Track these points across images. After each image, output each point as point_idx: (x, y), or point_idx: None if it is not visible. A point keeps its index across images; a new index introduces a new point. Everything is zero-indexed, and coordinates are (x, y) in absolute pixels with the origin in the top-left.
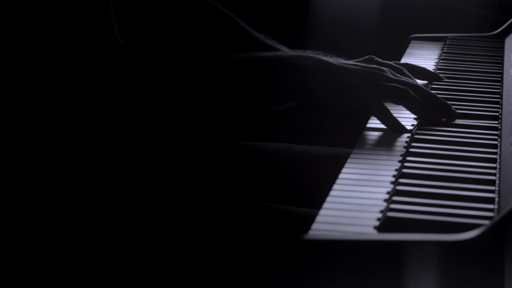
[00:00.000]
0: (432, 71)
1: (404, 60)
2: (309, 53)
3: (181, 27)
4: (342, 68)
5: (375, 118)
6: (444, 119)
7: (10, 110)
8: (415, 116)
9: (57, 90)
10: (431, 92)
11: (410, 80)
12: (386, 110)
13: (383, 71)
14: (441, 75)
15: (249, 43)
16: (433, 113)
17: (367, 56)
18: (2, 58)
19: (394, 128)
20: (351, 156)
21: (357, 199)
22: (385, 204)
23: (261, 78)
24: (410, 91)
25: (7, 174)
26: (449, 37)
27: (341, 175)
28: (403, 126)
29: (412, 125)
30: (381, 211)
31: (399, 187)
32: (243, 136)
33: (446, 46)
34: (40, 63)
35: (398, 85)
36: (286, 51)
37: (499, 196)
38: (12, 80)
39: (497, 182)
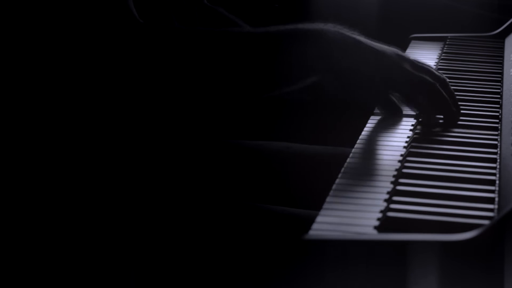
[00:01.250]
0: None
1: None
2: (334, 26)
3: None
4: (370, 45)
5: (375, 118)
6: (443, 120)
7: (12, 105)
8: (415, 116)
9: (58, 78)
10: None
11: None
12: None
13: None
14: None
15: None
16: (453, 110)
17: None
18: (18, 45)
19: (418, 109)
20: (351, 156)
21: (357, 199)
22: (385, 204)
23: (287, 49)
24: (439, 88)
25: (7, 174)
26: (449, 37)
27: (341, 175)
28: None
29: (412, 125)
30: (381, 211)
31: (399, 187)
32: (243, 134)
33: (446, 46)
34: (56, 46)
35: (426, 77)
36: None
37: (499, 196)
38: (12, 73)
39: (497, 182)
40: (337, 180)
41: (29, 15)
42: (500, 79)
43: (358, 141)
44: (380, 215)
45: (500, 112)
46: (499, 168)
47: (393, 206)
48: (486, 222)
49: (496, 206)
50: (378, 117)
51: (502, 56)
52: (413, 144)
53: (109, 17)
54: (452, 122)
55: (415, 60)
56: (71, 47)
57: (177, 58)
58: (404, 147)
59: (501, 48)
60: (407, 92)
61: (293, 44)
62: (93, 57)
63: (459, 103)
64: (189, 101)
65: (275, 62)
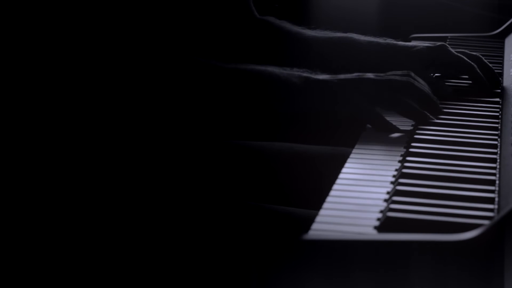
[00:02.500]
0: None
1: None
2: (297, 71)
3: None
4: (330, 82)
5: None
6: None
7: (10, 107)
8: None
9: (59, 85)
10: (424, 92)
11: (399, 75)
12: (379, 117)
13: (373, 78)
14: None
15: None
16: (426, 115)
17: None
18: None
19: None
20: (351, 156)
21: (357, 199)
22: (385, 204)
23: (254, 90)
24: (403, 99)
25: (7, 174)
26: (449, 37)
27: (341, 175)
28: (397, 129)
29: (412, 125)
30: (381, 211)
31: (399, 187)
32: (244, 135)
33: None
34: (60, 48)
35: (388, 92)
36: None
37: (499, 196)
38: (16, 75)
39: (497, 182)
40: (337, 180)
41: (30, 15)
42: (500, 79)
43: (358, 141)
44: (380, 215)
45: (500, 112)
46: (499, 168)
47: (393, 206)
48: (486, 222)
49: (496, 206)
50: None
51: (502, 56)
52: (413, 144)
53: (110, 33)
54: (421, 122)
55: (375, 76)
56: (70, 47)
57: (154, 80)
58: (404, 147)
59: (501, 48)
60: (375, 117)
61: (253, 86)
62: (94, 59)
63: (460, 103)
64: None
65: (240, 100)
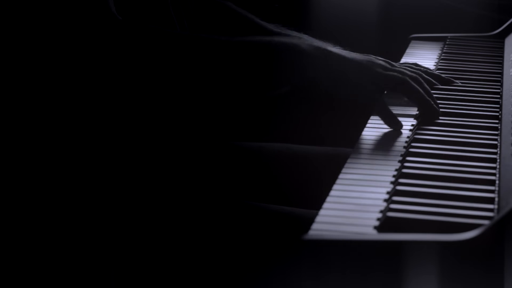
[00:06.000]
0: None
1: (403, 60)
2: (308, 39)
3: (180, 24)
4: (340, 56)
5: (375, 118)
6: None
7: (10, 107)
8: (415, 116)
9: (55, 78)
10: (427, 88)
11: (409, 70)
12: (382, 103)
13: (381, 60)
14: (442, 75)
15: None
16: (432, 105)
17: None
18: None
19: (389, 122)
20: (351, 156)
21: (357, 199)
22: (385, 204)
23: (258, 61)
24: (409, 80)
25: (7, 174)
26: (449, 37)
27: (341, 175)
28: (399, 122)
29: (412, 125)
30: (381, 211)
31: (399, 187)
32: (244, 136)
33: (446, 46)
34: (37, 45)
35: (396, 73)
36: (293, 36)
37: (499, 196)
38: (15, 75)
39: (497, 182)
40: (337, 180)
41: (14, 16)
42: (500, 79)
43: (358, 141)
44: (380, 215)
45: (500, 112)
46: (499, 168)
47: (393, 206)
48: (486, 222)
49: (496, 206)
50: (378, 117)
51: (502, 56)
52: (413, 144)
53: (86, 12)
54: (429, 112)
55: (388, 62)
56: (57, 46)
57: (154, 58)
58: (404, 147)
59: (501, 48)
60: (376, 92)
61: (266, 55)
62: (79, 55)
63: (460, 103)
64: (181, 100)
65: (244, 70)
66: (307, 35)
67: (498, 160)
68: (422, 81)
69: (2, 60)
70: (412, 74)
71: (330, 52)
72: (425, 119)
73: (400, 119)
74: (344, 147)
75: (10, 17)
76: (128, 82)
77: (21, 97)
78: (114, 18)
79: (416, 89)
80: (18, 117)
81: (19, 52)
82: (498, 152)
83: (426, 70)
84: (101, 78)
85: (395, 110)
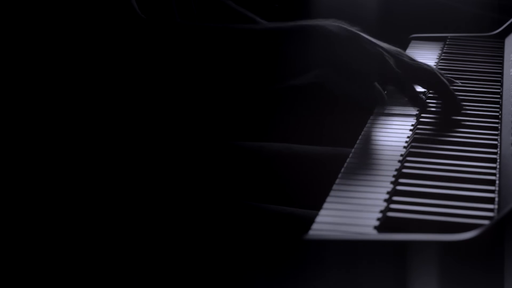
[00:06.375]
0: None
1: None
2: (334, 22)
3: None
4: (369, 40)
5: (375, 118)
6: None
7: (10, 106)
8: (415, 116)
9: (71, 78)
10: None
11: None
12: (407, 82)
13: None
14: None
15: None
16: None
17: None
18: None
19: (413, 99)
20: (351, 156)
21: (357, 199)
22: (385, 204)
23: (287, 45)
24: (436, 73)
25: (7, 174)
26: (449, 37)
27: (341, 175)
28: (422, 99)
29: (412, 125)
30: (381, 211)
31: (399, 187)
32: (244, 136)
33: (446, 46)
34: (58, 44)
35: (422, 65)
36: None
37: (499, 196)
38: (15, 75)
39: (497, 182)
40: (337, 180)
41: (30, 13)
42: (500, 79)
43: (358, 141)
44: (380, 215)
45: (500, 112)
46: (499, 168)
47: (393, 206)
48: (486, 222)
49: (496, 206)
50: (378, 117)
51: (502, 56)
52: (413, 144)
53: (111, 13)
54: (454, 105)
55: (410, 58)
56: (73, 45)
57: (178, 53)
58: (404, 147)
59: (501, 48)
60: (405, 81)
61: (292, 39)
62: (95, 54)
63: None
64: (193, 98)
65: (274, 58)
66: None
67: (498, 160)
68: (443, 76)
69: (18, 58)
70: (436, 70)
71: (359, 35)
72: (448, 111)
73: (400, 119)
74: (344, 147)
75: (34, 16)
76: (137, 78)
77: (21, 97)
78: (139, 17)
79: (443, 82)
80: (18, 117)
81: (30, 51)
82: (498, 152)
83: None
84: (111, 74)
85: (395, 110)
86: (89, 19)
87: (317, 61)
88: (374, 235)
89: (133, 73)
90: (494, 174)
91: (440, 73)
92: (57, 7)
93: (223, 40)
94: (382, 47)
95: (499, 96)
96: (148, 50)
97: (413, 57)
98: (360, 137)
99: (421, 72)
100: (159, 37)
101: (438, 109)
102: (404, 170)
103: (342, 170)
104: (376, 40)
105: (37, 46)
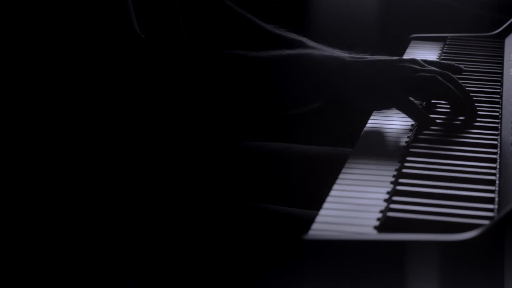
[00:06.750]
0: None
1: None
2: (332, 52)
3: (186, 23)
4: (366, 68)
5: (375, 118)
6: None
7: (9, 106)
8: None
9: (71, 85)
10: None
11: (438, 66)
12: (412, 104)
13: (409, 61)
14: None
15: (260, 36)
16: (464, 102)
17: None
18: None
19: (422, 122)
20: (351, 156)
21: (357, 199)
22: (385, 204)
23: (287, 77)
24: (441, 79)
25: (7, 174)
26: (449, 37)
27: (341, 175)
28: (431, 119)
29: (412, 125)
30: (381, 211)
31: (399, 187)
32: (244, 136)
33: (446, 46)
34: (58, 59)
35: (425, 74)
36: (306, 44)
37: (499, 196)
38: (15, 75)
39: (497, 182)
40: (337, 180)
41: (30, 29)
42: (500, 79)
43: (358, 141)
44: (380, 215)
45: (500, 112)
46: (499, 168)
47: (393, 206)
48: (486, 222)
49: (496, 206)
50: (378, 117)
51: (502, 56)
52: (413, 144)
53: (109, 31)
54: (461, 110)
55: (416, 62)
56: (72, 54)
57: (173, 73)
58: (404, 147)
59: (501, 48)
60: (402, 102)
61: (285, 71)
62: (94, 66)
63: None
64: (189, 111)
65: (264, 87)
66: (315, 42)
67: (498, 160)
68: (454, 78)
69: (10, 60)
70: (443, 72)
71: (356, 63)
72: (464, 118)
73: (400, 119)
74: (344, 147)
75: (33, 32)
76: (142, 93)
77: (22, 97)
78: (138, 37)
79: (446, 86)
80: (18, 118)
81: (40, 65)
82: (498, 152)
83: (433, 62)
84: (110, 86)
85: (395, 110)
86: (86, 36)
87: (313, 94)
88: (374, 235)
89: (133, 87)
90: (494, 174)
91: (444, 73)
92: (56, 22)
93: (215, 66)
94: (375, 68)
95: (499, 96)
96: (144, 69)
97: (415, 59)
98: (360, 137)
99: (419, 83)
100: (156, 57)
101: (438, 109)
102: (404, 170)
103: (342, 170)
104: (367, 60)
105: (34, 56)
